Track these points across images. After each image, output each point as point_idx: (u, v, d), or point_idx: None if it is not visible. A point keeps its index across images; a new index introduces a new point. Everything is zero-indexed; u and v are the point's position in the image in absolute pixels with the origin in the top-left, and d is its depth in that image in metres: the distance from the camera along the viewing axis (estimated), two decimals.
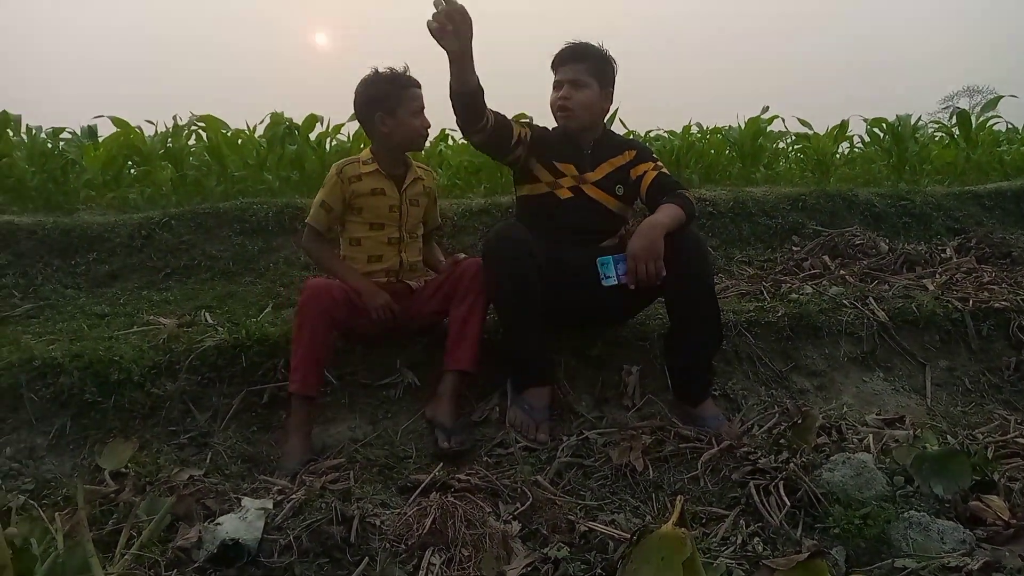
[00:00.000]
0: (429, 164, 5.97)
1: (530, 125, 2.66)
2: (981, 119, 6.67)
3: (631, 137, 4.66)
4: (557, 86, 2.61)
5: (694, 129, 6.63)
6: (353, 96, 2.57)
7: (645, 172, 2.60)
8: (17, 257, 3.65)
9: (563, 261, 2.47)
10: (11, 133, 4.96)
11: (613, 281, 2.32)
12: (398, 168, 2.62)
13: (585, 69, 2.57)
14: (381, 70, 2.53)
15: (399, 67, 2.54)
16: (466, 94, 2.31)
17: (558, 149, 2.63)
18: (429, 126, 2.58)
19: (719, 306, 2.47)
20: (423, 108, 2.56)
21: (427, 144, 2.66)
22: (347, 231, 2.59)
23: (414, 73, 2.57)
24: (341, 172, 2.54)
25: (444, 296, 2.57)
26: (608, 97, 2.63)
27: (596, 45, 2.62)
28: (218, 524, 1.68)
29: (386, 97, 2.50)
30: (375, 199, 2.56)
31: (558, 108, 2.61)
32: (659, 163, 2.65)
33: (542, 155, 2.62)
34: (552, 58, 2.63)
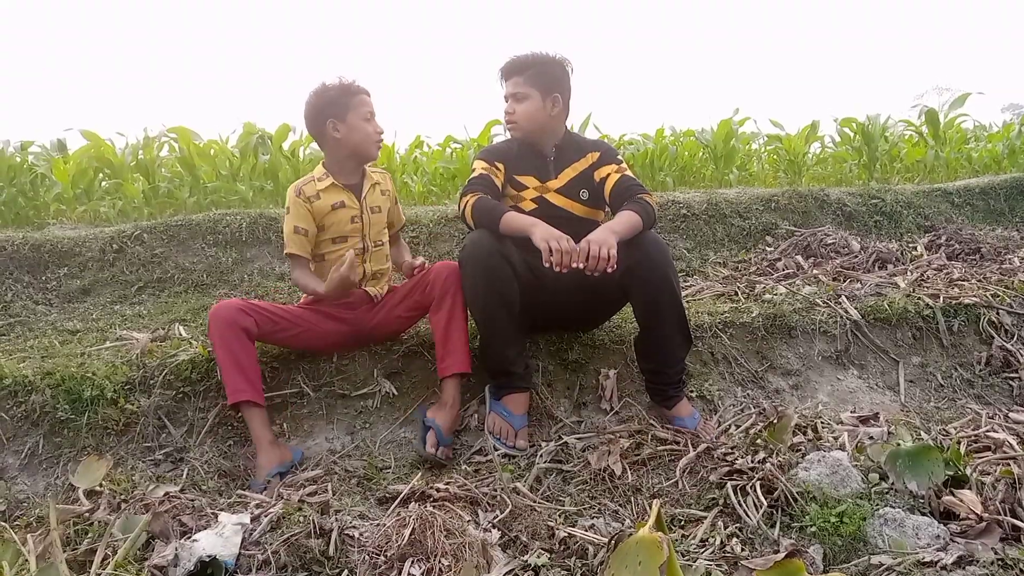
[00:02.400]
0: (405, 171, 6.00)
1: (498, 157, 2.66)
2: (949, 117, 6.78)
3: (601, 139, 4.66)
4: (505, 100, 2.64)
5: (667, 132, 6.68)
6: (304, 110, 2.56)
7: (608, 175, 2.61)
8: None
9: (537, 266, 2.47)
10: None
11: None
12: (354, 177, 2.60)
13: (524, 80, 2.57)
14: (329, 81, 2.53)
15: (346, 78, 2.54)
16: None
17: (520, 162, 2.65)
18: (382, 131, 2.57)
19: (684, 307, 2.48)
20: (374, 114, 2.55)
21: (380, 152, 2.64)
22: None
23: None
24: (301, 193, 2.51)
25: (414, 303, 2.57)
26: (556, 102, 2.61)
27: (539, 53, 2.60)
28: (195, 541, 1.66)
29: (335, 104, 2.50)
30: (336, 214, 2.53)
31: (505, 123, 2.66)
32: (623, 165, 2.65)
33: (508, 175, 2.64)
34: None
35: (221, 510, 1.89)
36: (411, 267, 2.66)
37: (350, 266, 2.32)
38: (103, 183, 5.23)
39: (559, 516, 1.96)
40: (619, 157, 2.69)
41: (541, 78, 2.58)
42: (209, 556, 1.60)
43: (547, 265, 2.25)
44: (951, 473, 1.94)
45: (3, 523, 1.91)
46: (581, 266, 2.24)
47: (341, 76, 2.53)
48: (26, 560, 1.67)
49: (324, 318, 2.53)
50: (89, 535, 1.79)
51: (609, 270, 2.23)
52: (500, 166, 2.63)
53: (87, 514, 1.90)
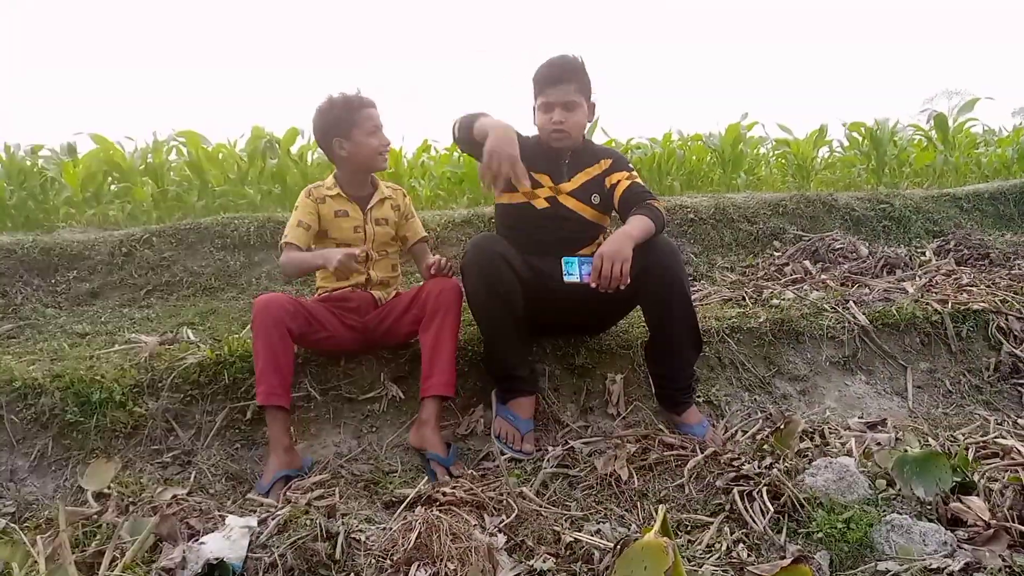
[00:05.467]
0: (412, 175, 6.01)
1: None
2: (958, 122, 6.76)
3: (611, 146, 4.67)
4: (546, 107, 2.56)
5: (675, 136, 6.68)
6: (312, 127, 2.63)
7: (619, 181, 2.61)
8: None
9: (542, 270, 2.47)
10: None
11: (575, 278, 2.32)
12: (363, 190, 2.67)
13: (575, 89, 2.55)
14: (334, 96, 2.57)
15: (351, 91, 2.58)
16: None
17: (535, 160, 2.62)
18: (388, 143, 2.62)
19: (695, 312, 2.47)
20: (380, 127, 2.59)
21: (387, 162, 2.67)
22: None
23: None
24: (311, 194, 2.60)
25: (413, 317, 2.56)
26: (592, 110, 2.65)
27: (578, 60, 2.58)
28: (202, 543, 1.67)
29: (340, 122, 2.55)
30: (339, 220, 2.60)
31: (553, 131, 2.56)
32: (633, 173, 2.66)
33: None
34: (536, 77, 2.57)
35: (229, 513, 1.90)
36: (428, 268, 2.61)
37: (351, 257, 2.32)
38: (112, 187, 5.27)
39: (565, 521, 1.96)
40: (630, 166, 2.70)
41: (586, 87, 2.59)
42: (216, 559, 1.61)
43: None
44: (959, 479, 1.93)
45: (13, 524, 1.92)
46: (594, 284, 2.24)
47: (345, 91, 2.57)
48: (35, 561, 1.68)
49: (342, 325, 2.53)
50: (97, 537, 1.80)
51: (622, 287, 2.24)
52: None
53: (96, 516, 1.91)
